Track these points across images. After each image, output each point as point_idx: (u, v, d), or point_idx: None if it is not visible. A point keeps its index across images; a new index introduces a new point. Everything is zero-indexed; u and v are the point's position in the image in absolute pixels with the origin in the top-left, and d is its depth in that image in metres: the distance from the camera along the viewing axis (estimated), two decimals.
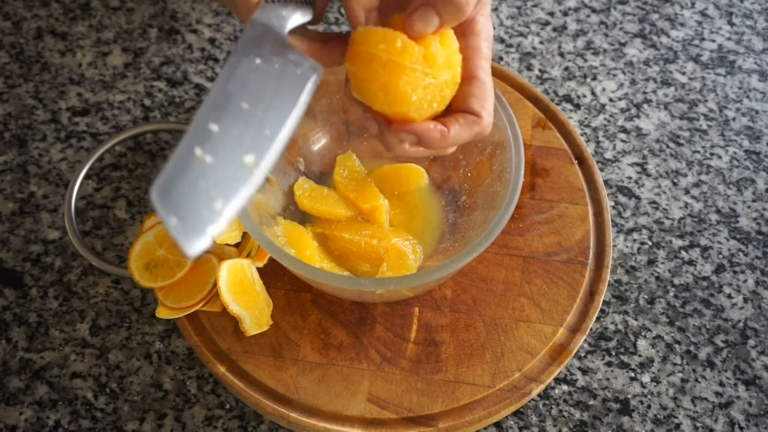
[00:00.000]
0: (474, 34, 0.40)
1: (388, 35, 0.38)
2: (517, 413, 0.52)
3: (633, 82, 0.69)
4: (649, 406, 0.52)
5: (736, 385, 0.53)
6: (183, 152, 0.33)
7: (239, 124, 0.35)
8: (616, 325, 0.55)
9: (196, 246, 0.31)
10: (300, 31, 0.40)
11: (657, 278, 0.57)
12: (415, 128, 0.39)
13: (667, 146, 0.65)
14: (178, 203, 0.32)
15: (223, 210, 0.32)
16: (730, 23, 0.73)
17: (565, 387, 0.53)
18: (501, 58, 0.70)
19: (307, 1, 0.40)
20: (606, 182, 0.62)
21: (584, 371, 0.53)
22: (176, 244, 0.32)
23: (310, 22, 0.40)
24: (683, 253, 0.59)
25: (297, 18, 0.39)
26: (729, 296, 0.57)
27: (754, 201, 0.62)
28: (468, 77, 0.40)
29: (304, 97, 0.36)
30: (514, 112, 0.48)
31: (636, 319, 0.55)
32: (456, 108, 0.40)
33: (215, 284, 0.51)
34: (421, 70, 0.37)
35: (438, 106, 0.39)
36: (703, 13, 0.74)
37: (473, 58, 0.39)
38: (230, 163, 0.34)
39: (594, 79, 0.69)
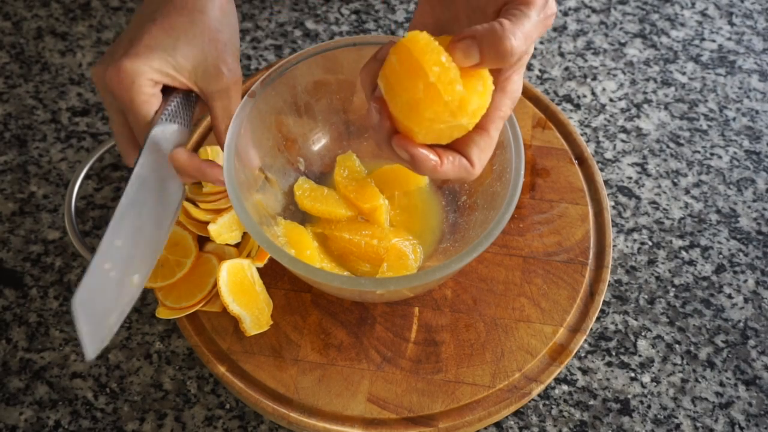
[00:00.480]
0: (503, 92, 0.40)
1: (444, 57, 0.37)
2: (517, 413, 0.52)
3: (633, 82, 0.69)
4: (649, 406, 0.52)
5: (736, 385, 0.53)
6: (96, 265, 0.42)
7: (132, 240, 0.44)
8: (617, 325, 0.55)
9: (96, 351, 0.41)
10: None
11: (657, 278, 0.57)
12: (413, 151, 0.39)
13: (668, 146, 0.65)
14: (91, 315, 0.41)
15: (114, 325, 0.43)
16: (731, 23, 0.73)
17: (565, 387, 0.53)
18: None
19: (185, 124, 0.48)
20: (606, 182, 0.62)
21: (584, 371, 0.53)
22: (82, 346, 0.41)
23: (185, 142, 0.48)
24: (683, 253, 0.59)
25: (181, 139, 0.48)
26: (729, 296, 0.57)
27: (754, 201, 0.62)
28: (480, 127, 0.40)
29: (174, 211, 0.48)
30: (514, 112, 0.48)
31: (636, 319, 0.55)
32: (456, 147, 0.41)
33: (215, 284, 0.51)
34: (450, 109, 0.37)
35: (443, 141, 0.40)
36: (703, 13, 0.74)
37: (492, 113, 0.40)
38: (125, 280, 0.44)
39: (594, 79, 0.69)
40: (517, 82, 0.41)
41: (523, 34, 0.37)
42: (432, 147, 0.40)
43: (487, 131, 0.40)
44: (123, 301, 0.44)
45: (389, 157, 0.42)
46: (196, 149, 0.61)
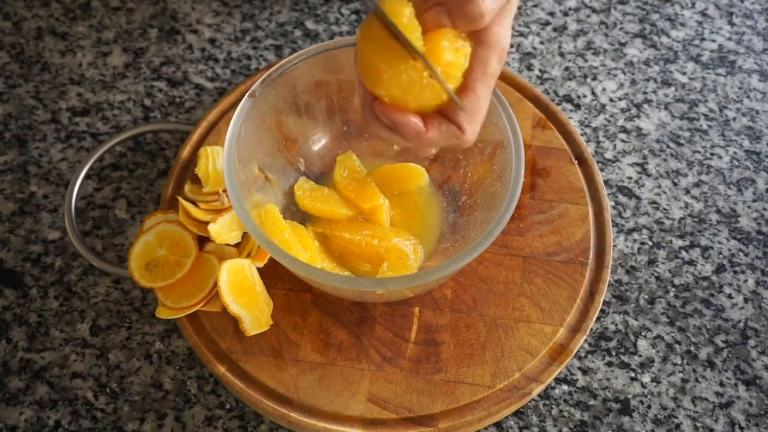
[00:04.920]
0: (485, 45, 0.38)
1: (407, 13, 0.37)
2: (517, 413, 0.52)
3: (633, 82, 0.69)
4: (649, 406, 0.52)
5: (736, 385, 0.53)
6: None
7: None
8: (617, 325, 0.55)
9: None
10: None
11: (657, 278, 0.57)
12: (394, 117, 0.38)
13: (668, 146, 0.65)
14: None
15: None
16: (731, 23, 0.73)
17: (565, 387, 0.53)
18: None
19: None
20: (606, 182, 0.62)
21: (584, 371, 0.53)
22: None
23: None
24: (683, 253, 0.59)
25: None
26: (729, 296, 0.57)
27: (754, 201, 0.62)
28: (464, 88, 0.38)
29: None
30: (514, 112, 0.48)
31: (636, 319, 0.55)
32: (444, 115, 0.39)
33: (215, 284, 0.51)
34: (414, 58, 0.37)
35: (427, 107, 0.39)
36: (703, 13, 0.74)
37: (476, 70, 0.38)
38: None
39: (594, 79, 0.69)
40: (498, 32, 0.38)
41: None
42: (418, 115, 0.38)
43: (472, 91, 0.38)
44: None
45: (375, 132, 0.40)
46: (196, 149, 0.61)
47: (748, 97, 0.68)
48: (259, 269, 0.54)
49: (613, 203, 0.61)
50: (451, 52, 0.37)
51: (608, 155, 0.64)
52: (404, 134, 0.39)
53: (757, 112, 0.67)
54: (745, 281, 0.57)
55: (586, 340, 0.54)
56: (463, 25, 0.36)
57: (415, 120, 0.38)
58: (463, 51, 0.38)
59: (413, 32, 0.37)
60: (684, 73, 0.70)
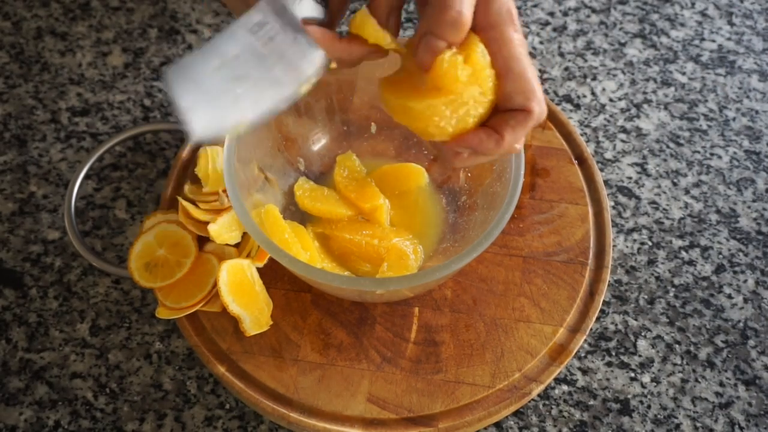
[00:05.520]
0: (490, 27, 0.37)
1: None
2: (517, 413, 0.52)
3: (633, 82, 0.69)
4: (649, 407, 0.52)
5: (736, 385, 0.53)
6: (213, 44, 0.32)
7: (244, 65, 0.34)
8: (616, 325, 0.55)
9: (206, 129, 0.31)
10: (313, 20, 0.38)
11: (657, 278, 0.57)
12: (468, 141, 0.37)
13: (667, 146, 0.65)
14: (196, 81, 0.31)
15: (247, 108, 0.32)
16: (730, 23, 0.73)
17: (565, 387, 0.53)
18: None
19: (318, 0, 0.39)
20: (606, 182, 0.62)
21: (584, 371, 0.53)
22: (183, 122, 0.30)
23: (321, 22, 0.39)
24: (683, 253, 0.59)
25: (309, 8, 0.37)
26: (729, 296, 0.57)
27: (754, 201, 0.62)
28: (502, 73, 0.37)
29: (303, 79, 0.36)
30: None
31: (636, 320, 0.55)
32: (503, 109, 0.38)
33: (215, 284, 0.51)
34: (446, 98, 0.37)
35: (480, 115, 0.38)
36: (703, 13, 0.74)
37: (502, 50, 0.36)
38: (262, 69, 0.33)
39: (594, 79, 0.69)
40: (491, 7, 0.37)
41: None
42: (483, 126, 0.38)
43: (510, 70, 0.36)
44: (260, 87, 0.35)
45: (462, 165, 0.40)
46: (195, 149, 0.61)
47: (747, 97, 0.68)
48: (258, 269, 0.54)
49: (612, 203, 0.61)
50: (477, 61, 0.37)
51: (608, 155, 0.64)
52: (487, 150, 0.38)
53: (756, 112, 0.67)
54: (745, 281, 0.57)
55: (585, 340, 0.54)
56: (452, 34, 0.35)
57: (489, 133, 0.37)
58: (484, 58, 0.38)
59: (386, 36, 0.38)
60: (684, 73, 0.70)
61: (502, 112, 0.38)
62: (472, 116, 0.38)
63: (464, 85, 0.37)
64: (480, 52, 0.37)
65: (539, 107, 0.37)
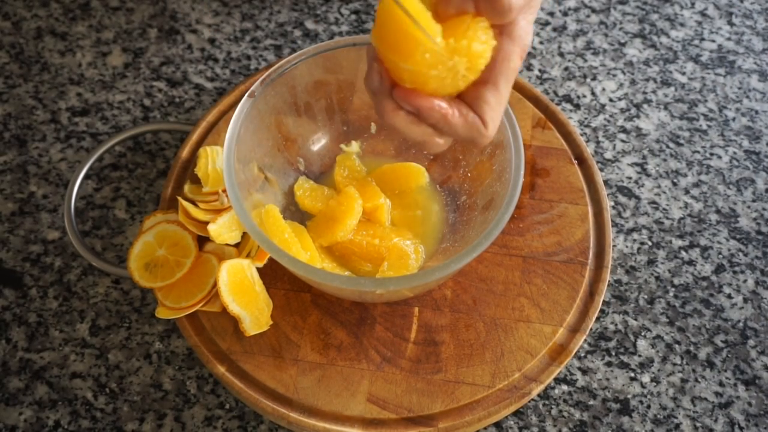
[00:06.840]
0: (510, 39, 0.37)
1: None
2: (517, 413, 0.52)
3: (633, 82, 0.69)
4: (648, 406, 0.52)
5: (735, 385, 0.53)
6: None
7: None
8: (616, 325, 0.55)
9: None
10: None
11: (657, 278, 0.57)
12: (417, 101, 0.36)
13: (667, 146, 0.65)
14: None
15: None
16: (730, 23, 0.73)
17: (565, 387, 0.53)
18: None
19: None
20: (606, 182, 0.62)
21: (584, 371, 0.53)
22: None
23: None
24: (683, 253, 0.59)
25: None
26: (729, 296, 0.57)
27: (754, 201, 0.62)
28: (487, 81, 0.37)
29: None
30: (514, 112, 0.48)
31: (636, 319, 0.55)
32: (466, 103, 0.38)
33: (215, 284, 0.51)
34: (441, 48, 0.35)
35: (448, 88, 0.37)
36: (703, 13, 0.74)
37: (500, 64, 0.36)
38: None
39: (594, 79, 0.69)
40: (525, 28, 0.37)
41: None
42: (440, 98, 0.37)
43: (495, 85, 0.36)
44: None
45: (391, 123, 0.38)
46: (195, 149, 0.61)
47: (747, 97, 0.68)
48: (258, 269, 0.54)
49: (612, 203, 0.61)
50: (480, 43, 0.36)
51: (608, 155, 0.64)
52: (429, 119, 0.37)
53: (756, 112, 0.67)
54: (745, 281, 0.57)
55: (585, 340, 0.54)
56: (490, 17, 0.35)
57: (441, 103, 0.36)
58: (490, 44, 0.37)
59: (424, 13, 0.35)
60: (683, 73, 0.70)
61: (466, 108, 0.37)
62: (450, 79, 0.37)
63: (468, 48, 0.35)
64: (493, 47, 0.37)
65: (491, 131, 0.38)
